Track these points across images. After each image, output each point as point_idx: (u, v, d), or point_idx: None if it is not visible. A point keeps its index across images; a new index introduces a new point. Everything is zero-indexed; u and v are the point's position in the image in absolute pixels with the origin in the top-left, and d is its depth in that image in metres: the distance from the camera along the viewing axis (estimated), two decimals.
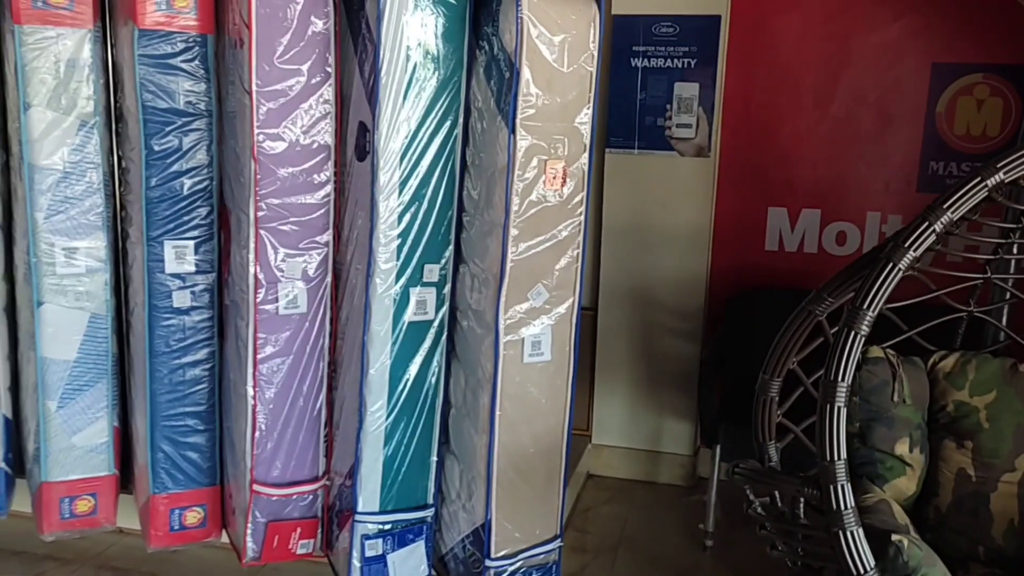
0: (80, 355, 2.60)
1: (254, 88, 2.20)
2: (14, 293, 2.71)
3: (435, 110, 2.20)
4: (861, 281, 1.58)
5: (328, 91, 2.28)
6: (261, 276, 2.31)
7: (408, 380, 2.33)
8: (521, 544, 2.35)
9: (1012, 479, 1.91)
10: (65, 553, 2.93)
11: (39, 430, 2.60)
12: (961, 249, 1.85)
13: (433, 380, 2.37)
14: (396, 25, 2.10)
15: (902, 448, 1.91)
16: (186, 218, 2.44)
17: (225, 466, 2.63)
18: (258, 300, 2.33)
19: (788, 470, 1.88)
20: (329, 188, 2.34)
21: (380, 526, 2.39)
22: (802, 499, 1.65)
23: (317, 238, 2.36)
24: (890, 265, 1.56)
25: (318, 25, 2.23)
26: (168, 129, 2.37)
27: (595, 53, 2.15)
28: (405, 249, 2.24)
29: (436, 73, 2.18)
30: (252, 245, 2.29)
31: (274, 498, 2.47)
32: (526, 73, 2.07)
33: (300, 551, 2.57)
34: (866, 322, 1.55)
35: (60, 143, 2.42)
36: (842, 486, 1.52)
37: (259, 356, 2.36)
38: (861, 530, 1.53)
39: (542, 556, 2.40)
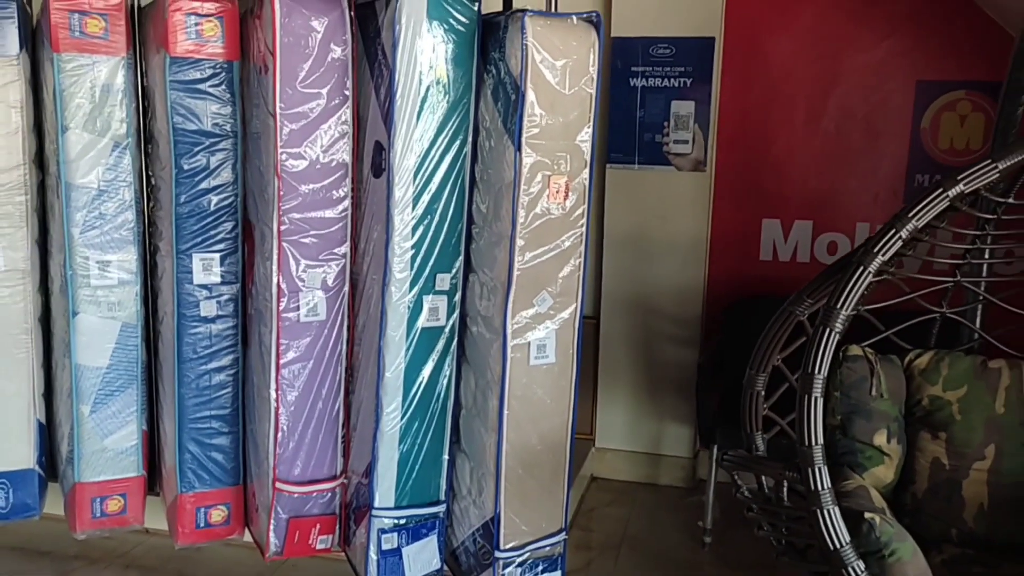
0: (112, 362, 2.75)
1: (278, 110, 2.36)
2: (49, 304, 2.87)
3: (446, 129, 2.36)
4: (835, 284, 1.73)
5: (346, 113, 2.44)
6: (284, 286, 2.47)
7: (422, 383, 2.48)
8: (528, 537, 2.50)
9: (982, 467, 2.05)
10: (94, 552, 3.07)
11: (73, 433, 2.75)
12: (937, 255, 1.99)
13: (445, 382, 2.52)
14: (410, 52, 2.27)
15: (880, 439, 2.06)
16: (213, 232, 2.60)
17: (248, 466, 2.77)
18: (281, 308, 2.48)
19: (773, 457, 2.03)
20: (347, 203, 2.49)
21: (395, 520, 2.53)
22: (785, 483, 1.80)
23: (336, 250, 2.51)
24: (861, 268, 1.71)
25: (337, 52, 2.40)
26: (196, 149, 2.53)
27: (595, 76, 2.31)
28: (418, 259, 2.39)
29: (447, 95, 2.34)
30: (275, 257, 2.44)
31: (295, 495, 2.61)
32: (530, 95, 2.23)
33: (320, 546, 2.71)
34: (840, 320, 1.70)
35: (95, 163, 2.59)
36: (819, 468, 1.67)
37: (281, 361, 2.51)
38: (837, 509, 1.67)
39: (548, 548, 2.53)
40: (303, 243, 2.47)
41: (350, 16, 2.41)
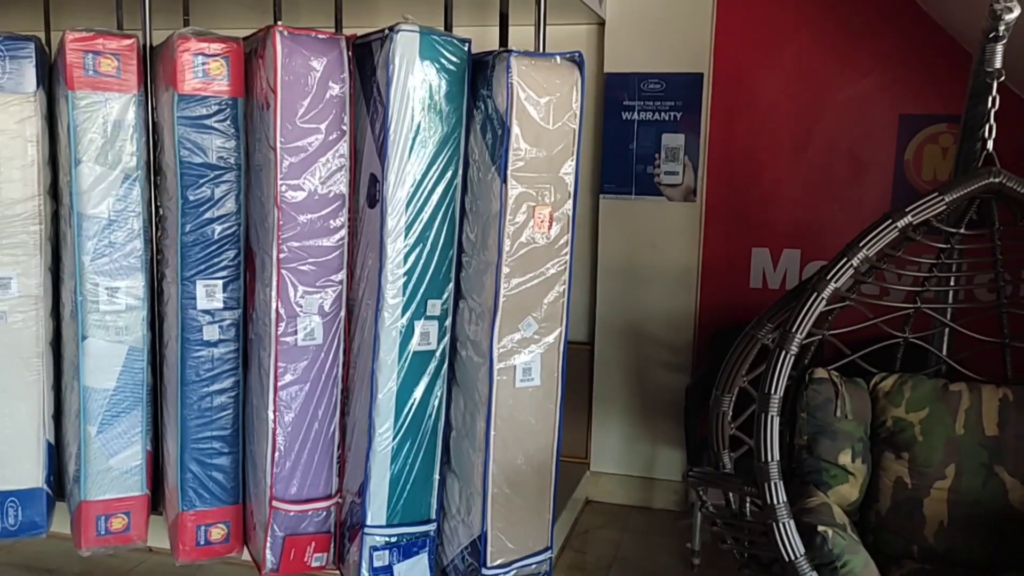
0: (118, 384, 2.86)
1: (278, 145, 2.49)
2: (60, 329, 2.99)
3: (437, 162, 2.48)
4: (791, 309, 1.83)
5: (343, 147, 2.57)
6: (282, 311, 2.58)
7: (413, 404, 2.58)
8: (515, 554, 2.57)
9: (943, 486, 2.12)
10: (98, 570, 3.16)
11: (80, 453, 2.85)
12: (899, 282, 2.08)
13: (436, 404, 2.61)
14: (403, 89, 2.40)
15: (845, 458, 2.14)
16: (216, 260, 2.72)
17: (247, 485, 2.87)
18: (279, 333, 2.59)
19: (736, 474, 2.10)
20: (344, 232, 2.61)
21: (387, 538, 2.62)
22: (748, 499, 1.88)
23: (332, 277, 2.62)
24: (814, 294, 1.81)
25: (335, 89, 2.53)
26: (202, 181, 2.67)
27: (578, 112, 2.43)
28: (410, 286, 2.50)
29: (438, 130, 2.46)
30: (274, 283, 2.56)
31: (291, 513, 2.70)
32: (515, 130, 2.35)
33: (315, 564, 2.79)
34: (795, 343, 1.79)
35: (106, 194, 2.72)
36: (775, 483, 1.75)
37: (279, 383, 2.62)
38: (792, 522, 1.75)
39: (534, 566, 2.61)
40: (301, 270, 2.58)
41: (348, 56, 2.55)
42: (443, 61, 2.43)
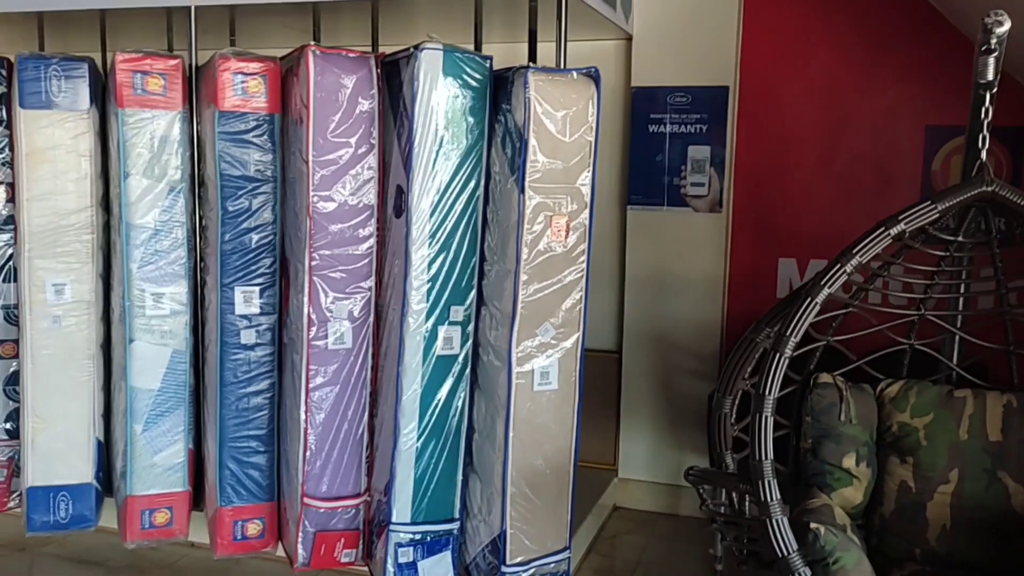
0: (163, 385, 3.03)
1: (310, 158, 2.63)
2: (109, 332, 3.17)
3: (460, 174, 2.59)
4: (786, 314, 1.88)
5: (372, 159, 2.70)
6: (313, 316, 2.71)
7: (437, 406, 2.68)
8: (534, 553, 2.65)
9: (946, 490, 2.14)
10: (142, 563, 3.31)
11: (126, 450, 3.02)
12: (902, 290, 2.12)
13: (459, 406, 2.71)
14: (427, 104, 2.51)
15: (849, 462, 2.17)
16: (253, 267, 2.87)
17: (282, 483, 3.00)
18: (311, 337, 2.72)
19: (737, 474, 2.16)
20: (372, 241, 2.73)
21: (412, 535, 2.72)
22: (747, 497, 1.93)
23: (361, 283, 2.75)
24: (808, 299, 1.86)
25: (364, 105, 2.66)
26: (240, 193, 2.82)
27: (594, 125, 2.52)
28: (434, 292, 2.61)
29: (461, 143, 2.57)
30: (307, 289, 2.69)
31: (322, 510, 2.82)
32: (533, 142, 2.45)
33: (344, 559, 2.91)
34: (789, 346, 1.85)
35: (153, 205, 2.90)
36: (769, 482, 1.81)
37: (311, 385, 2.75)
38: (785, 519, 1.80)
39: (553, 565, 2.69)
40: (332, 277, 2.71)
41: (377, 73, 2.68)
42: (465, 77, 2.54)
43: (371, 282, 2.77)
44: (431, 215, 2.57)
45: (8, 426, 3.28)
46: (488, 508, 2.70)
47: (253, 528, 3.02)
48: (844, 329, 2.18)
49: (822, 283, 1.85)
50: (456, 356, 2.68)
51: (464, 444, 2.75)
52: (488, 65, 2.59)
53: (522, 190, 2.47)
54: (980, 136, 1.97)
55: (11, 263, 3.19)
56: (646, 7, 3.65)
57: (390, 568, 2.72)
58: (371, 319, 2.79)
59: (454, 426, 2.72)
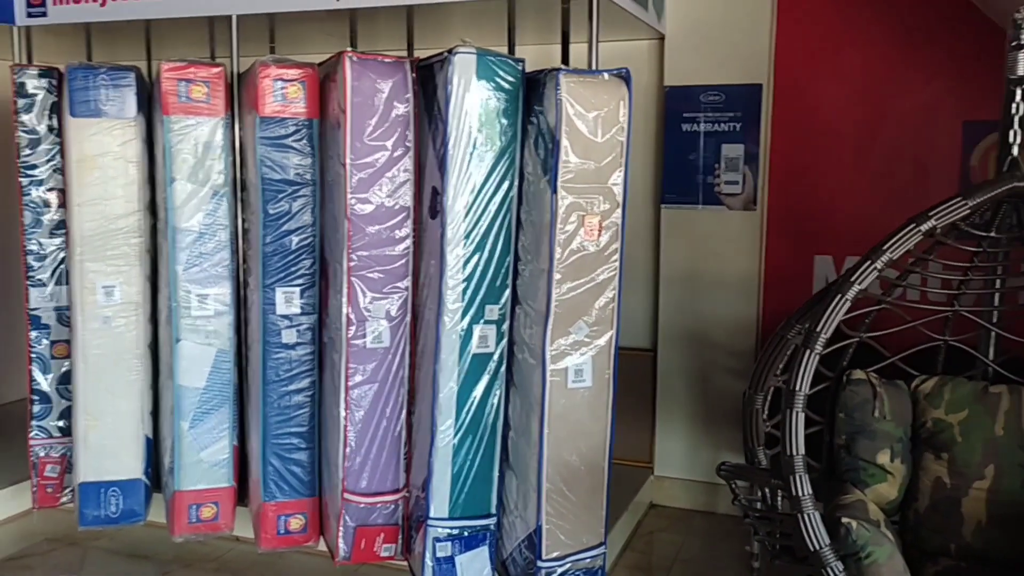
0: (208, 384, 3.12)
1: (348, 161, 2.70)
2: (157, 332, 3.28)
3: (494, 175, 2.63)
4: (817, 310, 1.90)
5: (408, 162, 2.75)
6: (352, 316, 2.77)
7: (473, 403, 2.73)
8: (569, 548, 2.69)
9: (982, 486, 2.14)
10: (189, 556, 3.41)
11: (174, 447, 3.11)
12: (939, 286, 2.11)
13: (494, 404, 2.76)
14: (461, 107, 2.56)
15: (883, 458, 2.17)
16: (293, 269, 2.94)
17: (323, 479, 3.07)
18: (350, 336, 2.78)
19: (770, 469, 2.17)
20: (408, 242, 2.79)
21: (449, 530, 2.77)
22: (779, 492, 1.94)
23: (398, 283, 2.81)
24: (839, 296, 1.87)
25: (400, 109, 2.72)
26: (281, 196, 2.90)
27: (625, 125, 2.55)
28: (469, 292, 2.66)
29: (495, 145, 2.62)
30: (345, 290, 2.76)
31: (362, 505, 2.89)
32: (565, 143, 2.49)
33: (384, 554, 2.97)
34: (820, 342, 1.86)
35: (197, 209, 2.99)
36: (800, 476, 1.82)
37: (350, 383, 2.81)
38: (817, 514, 1.81)
39: (588, 560, 2.72)
40: (370, 277, 2.78)
41: (412, 77, 2.74)
42: (498, 80, 2.58)
43: (408, 282, 2.82)
44: (466, 216, 2.62)
45: (61, 424, 3.40)
46: (524, 504, 2.74)
47: (296, 523, 3.09)
48: (877, 325, 2.18)
49: (852, 280, 1.86)
50: (491, 354, 2.73)
51: (500, 441, 2.79)
52: (520, 68, 2.63)
53: (555, 190, 2.51)
54: (1012, 131, 1.96)
55: (63, 266, 3.30)
56: (679, 6, 3.67)
57: (428, 562, 2.77)
58: (408, 318, 2.85)
59: (490, 423, 2.76)
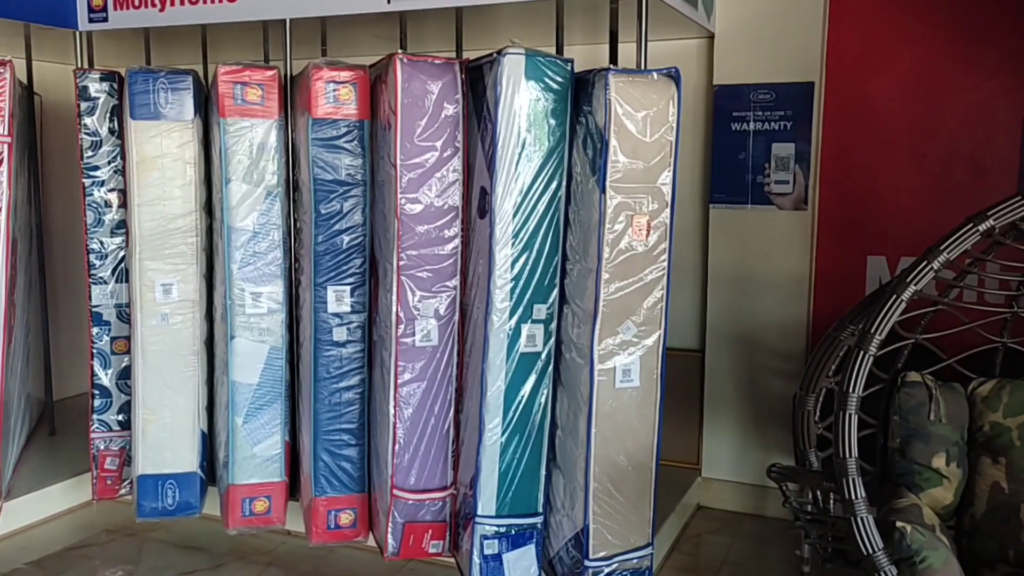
0: (261, 380, 3.18)
1: (398, 162, 2.73)
2: (212, 330, 3.36)
3: (542, 175, 2.65)
4: (871, 310, 1.87)
5: (457, 162, 2.78)
6: (401, 314, 2.81)
7: (520, 402, 2.74)
8: (616, 548, 2.69)
9: None
10: (242, 549, 3.48)
11: (228, 441, 3.19)
12: (996, 287, 2.07)
13: (542, 402, 2.77)
14: (510, 108, 2.58)
15: (939, 462, 2.13)
16: (344, 268, 2.99)
17: (372, 475, 3.12)
18: (399, 334, 2.82)
19: (821, 471, 2.14)
20: (457, 241, 2.82)
21: (497, 528, 2.79)
22: (831, 495, 1.92)
23: (447, 283, 2.84)
24: (894, 297, 1.84)
25: (449, 110, 2.75)
26: (332, 196, 2.95)
27: (674, 125, 2.54)
28: (517, 291, 2.68)
29: (543, 145, 2.63)
30: (395, 289, 2.80)
31: (410, 502, 2.92)
32: (613, 143, 2.49)
33: (432, 550, 3.00)
34: (874, 344, 1.83)
35: (251, 209, 3.05)
36: (853, 479, 1.80)
37: (399, 381, 2.85)
38: (871, 517, 1.79)
39: (635, 561, 2.71)
40: (419, 276, 2.81)
41: (461, 78, 2.76)
42: (547, 80, 2.59)
43: (456, 281, 2.85)
44: (514, 216, 2.64)
45: (121, 417, 3.50)
46: (571, 503, 2.74)
47: (346, 518, 3.14)
48: (933, 327, 2.14)
49: (908, 280, 1.83)
50: (539, 353, 2.74)
51: (547, 440, 2.81)
52: (570, 68, 2.64)
53: (603, 190, 2.52)
54: None
55: (124, 264, 3.40)
56: (728, 4, 3.64)
57: (476, 560, 2.80)
58: (456, 317, 2.87)
59: (537, 422, 2.78)
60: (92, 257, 3.39)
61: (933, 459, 2.14)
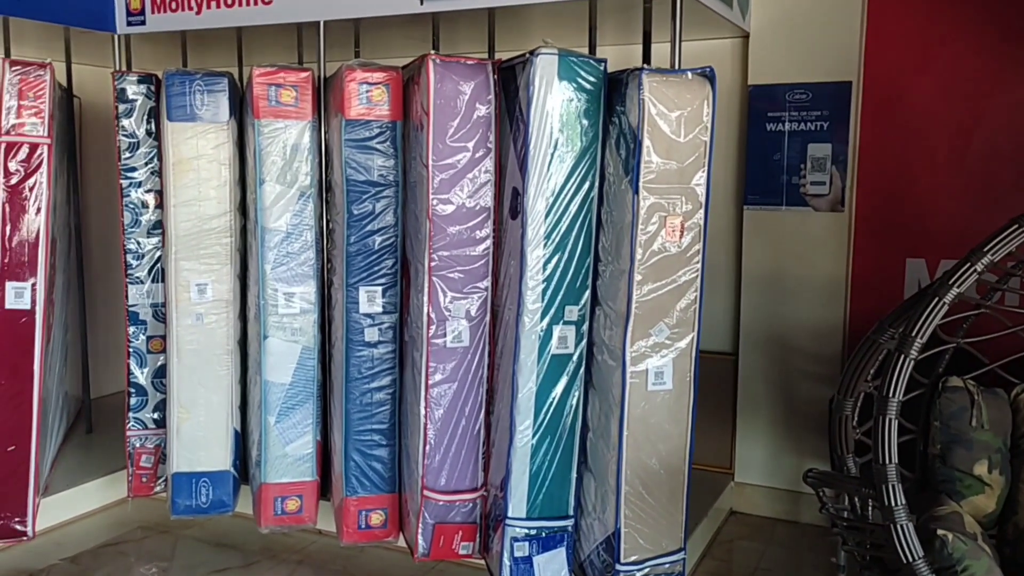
0: (293, 380, 3.20)
1: (430, 162, 2.73)
2: (246, 329, 3.38)
3: (574, 176, 2.63)
4: (912, 313, 1.83)
5: (489, 163, 2.77)
6: (433, 315, 2.81)
7: (552, 404, 2.73)
8: (648, 553, 2.66)
9: None
10: (274, 547, 3.50)
11: (261, 440, 3.21)
12: None
13: (573, 405, 2.75)
14: (542, 108, 2.57)
15: (980, 469, 2.08)
16: (376, 268, 3.00)
17: (403, 476, 3.12)
18: (430, 335, 2.82)
19: (860, 477, 2.10)
20: (489, 242, 2.81)
21: (527, 530, 2.78)
22: (870, 501, 1.88)
23: (478, 284, 2.83)
24: (936, 299, 1.80)
25: (481, 110, 2.74)
26: (364, 197, 2.96)
27: (709, 125, 2.51)
28: (549, 292, 2.66)
29: (576, 145, 2.62)
30: (426, 290, 2.80)
31: (440, 503, 2.92)
32: (647, 143, 2.46)
33: (462, 552, 3.00)
34: (915, 347, 1.79)
35: (285, 210, 3.07)
36: (894, 486, 1.76)
37: (430, 382, 2.85)
38: (911, 524, 1.75)
39: (668, 565, 2.68)
40: (450, 277, 2.81)
41: (494, 79, 2.75)
42: (580, 81, 2.58)
43: (488, 282, 2.84)
44: (546, 216, 2.62)
45: (156, 416, 3.54)
46: (602, 506, 2.72)
47: (376, 518, 3.15)
48: (976, 331, 2.09)
49: (950, 282, 1.79)
50: (571, 355, 2.72)
51: (578, 442, 2.79)
52: (603, 68, 2.62)
53: (636, 191, 2.49)
54: None
55: (160, 264, 3.44)
56: (764, 3, 3.59)
57: (506, 562, 2.79)
58: (488, 318, 2.87)
59: (568, 424, 2.76)
60: (129, 257, 3.44)
61: (975, 466, 2.09)
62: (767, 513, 3.81)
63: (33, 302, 3.10)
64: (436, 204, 2.75)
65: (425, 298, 2.80)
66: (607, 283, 2.69)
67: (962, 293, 1.78)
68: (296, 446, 3.24)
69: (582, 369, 2.75)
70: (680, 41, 2.76)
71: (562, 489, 2.80)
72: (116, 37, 3.72)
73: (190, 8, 3.51)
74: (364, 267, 2.98)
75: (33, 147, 3.06)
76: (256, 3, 3.38)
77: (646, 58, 2.84)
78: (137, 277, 3.45)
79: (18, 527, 3.18)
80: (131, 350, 3.50)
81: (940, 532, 1.72)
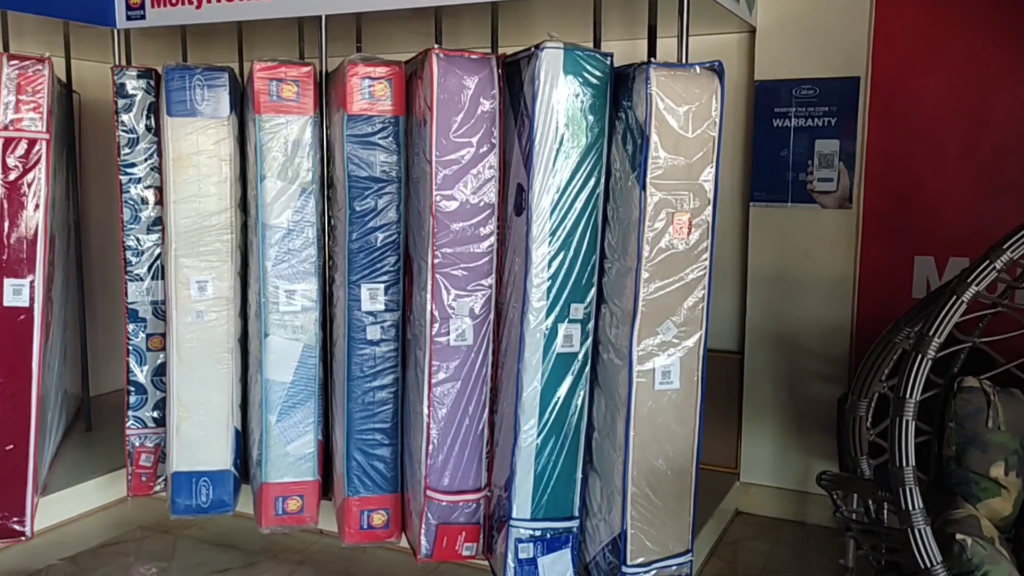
0: (295, 378, 3.16)
1: (434, 158, 2.69)
2: (247, 327, 3.35)
3: (580, 172, 2.59)
4: (929, 312, 1.79)
5: (493, 159, 2.73)
6: (436, 313, 2.77)
7: (556, 404, 2.69)
8: (654, 555, 2.62)
9: None
10: (275, 547, 3.46)
11: (262, 439, 3.18)
12: None
13: (578, 404, 2.71)
14: (547, 103, 2.53)
15: (997, 471, 2.04)
16: (379, 265, 2.96)
17: (405, 475, 3.08)
18: (433, 333, 2.78)
19: (875, 480, 2.06)
20: (493, 239, 2.77)
21: (532, 531, 2.74)
22: (885, 504, 1.84)
23: (482, 281, 2.79)
24: (954, 297, 1.76)
25: (485, 106, 2.70)
26: (367, 193, 2.92)
27: (717, 120, 2.47)
28: (554, 290, 2.62)
29: (581, 141, 2.58)
30: (429, 287, 2.76)
31: (444, 503, 2.88)
32: (654, 138, 2.42)
33: (465, 552, 2.96)
34: (932, 347, 1.75)
35: (286, 206, 3.03)
36: (911, 489, 1.72)
37: (433, 381, 2.81)
38: (929, 528, 1.71)
39: (674, 568, 2.65)
40: (454, 275, 2.77)
41: (498, 74, 2.71)
42: (586, 75, 2.54)
43: (492, 280, 2.81)
44: (551, 213, 2.58)
45: (156, 414, 3.50)
46: (608, 507, 2.68)
47: (378, 518, 3.11)
48: (991, 330, 2.05)
49: (969, 280, 1.74)
50: (576, 354, 2.68)
51: (584, 442, 2.75)
52: (609, 62, 2.58)
53: (643, 187, 2.45)
54: None
55: (159, 262, 3.41)
56: None
57: (511, 563, 2.75)
58: (492, 316, 2.83)
59: (574, 424, 2.72)
60: (128, 254, 3.40)
61: (991, 468, 2.05)
62: (773, 514, 3.77)
63: (31, 299, 3.06)
64: (439, 200, 2.71)
65: (428, 295, 2.76)
66: (613, 281, 2.65)
67: (980, 291, 1.74)
68: (297, 445, 3.20)
69: (588, 368, 2.71)
70: (687, 35, 2.71)
71: (567, 490, 2.76)
72: (116, 31, 3.68)
73: (190, 2, 3.46)
74: (366, 264, 2.94)
75: (32, 143, 3.02)
76: None
77: (652, 53, 2.79)
78: (137, 274, 3.42)
79: (16, 527, 3.15)
80: (130, 348, 3.46)
81: (959, 537, 1.69)
